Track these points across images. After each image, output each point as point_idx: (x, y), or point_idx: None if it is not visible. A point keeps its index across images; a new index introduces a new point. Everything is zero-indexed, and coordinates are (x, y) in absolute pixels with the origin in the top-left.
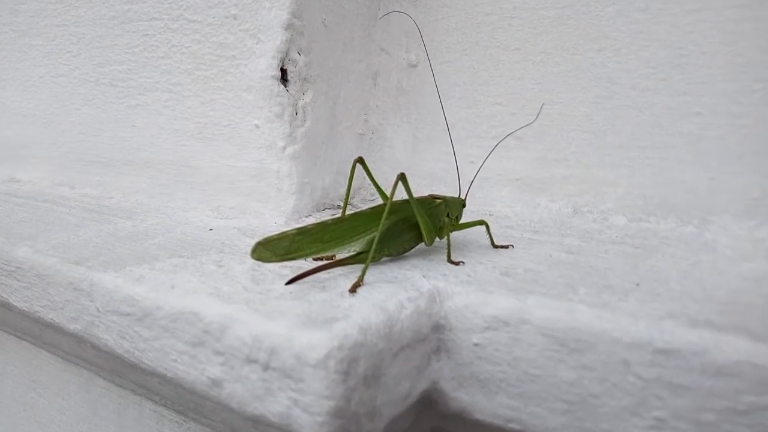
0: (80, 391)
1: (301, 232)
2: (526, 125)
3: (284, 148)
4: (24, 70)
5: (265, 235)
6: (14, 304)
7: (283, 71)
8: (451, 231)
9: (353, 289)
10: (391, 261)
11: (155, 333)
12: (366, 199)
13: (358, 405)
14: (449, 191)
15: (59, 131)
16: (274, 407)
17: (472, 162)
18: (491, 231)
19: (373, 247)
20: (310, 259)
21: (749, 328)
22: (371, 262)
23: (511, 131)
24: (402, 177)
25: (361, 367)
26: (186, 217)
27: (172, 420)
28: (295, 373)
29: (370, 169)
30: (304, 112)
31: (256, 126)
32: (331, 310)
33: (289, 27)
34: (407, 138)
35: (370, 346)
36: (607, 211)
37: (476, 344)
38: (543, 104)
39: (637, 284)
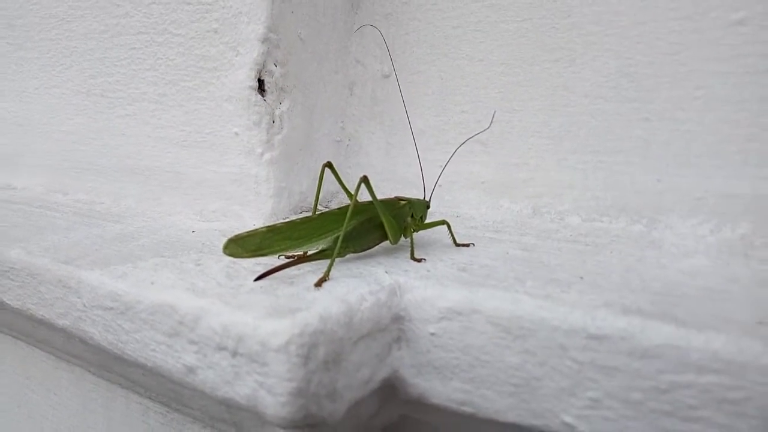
0: (71, 387)
1: (271, 230)
2: (481, 131)
3: (262, 154)
4: (19, 81)
5: (238, 233)
6: (7, 302)
7: (261, 82)
8: (416, 231)
9: (319, 284)
10: (357, 258)
11: (136, 325)
12: (342, 203)
13: (318, 387)
14: (419, 194)
15: (53, 140)
16: (242, 390)
17: (441, 166)
18: (454, 231)
19: (338, 244)
20: (282, 256)
21: (675, 316)
22: (337, 258)
23: (470, 137)
24: (365, 179)
25: (321, 353)
26: (171, 220)
27: (156, 411)
28: (260, 357)
29: (347, 173)
30: (281, 120)
31: (236, 134)
32: (296, 302)
33: (265, 40)
34: (381, 144)
35: (330, 334)
36: (564, 211)
37: (432, 333)
38: (495, 111)
39: (581, 277)
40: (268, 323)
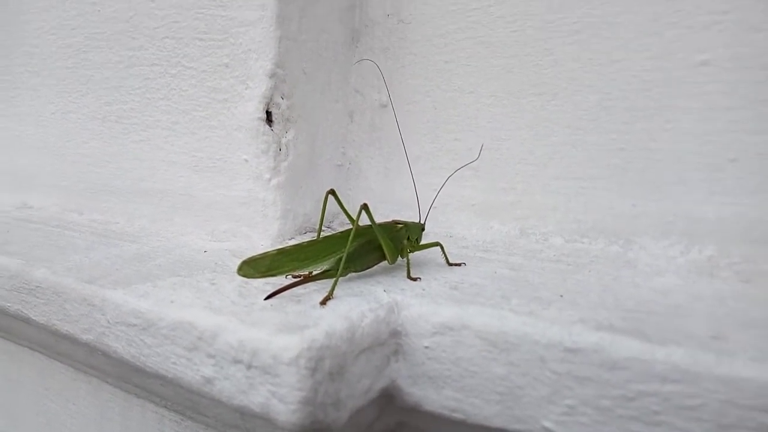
0: (89, 397)
1: (280, 252)
2: (471, 162)
3: (270, 179)
4: (37, 106)
5: (250, 255)
6: (33, 318)
7: (268, 113)
8: (411, 252)
9: (324, 302)
10: (358, 277)
11: (158, 340)
12: (344, 223)
13: (324, 396)
14: (415, 215)
15: (69, 162)
16: (256, 399)
17: (435, 190)
18: (447, 250)
19: (341, 265)
20: (289, 276)
21: (643, 331)
22: (340, 277)
23: (460, 167)
24: (365, 207)
25: (327, 365)
26: (184, 240)
27: (171, 420)
28: (273, 369)
29: (348, 196)
30: (287, 148)
31: (246, 160)
32: (304, 319)
33: (273, 76)
34: (379, 169)
35: (335, 348)
36: (548, 233)
37: (427, 347)
38: (483, 144)
39: (561, 295)
40: (280, 339)
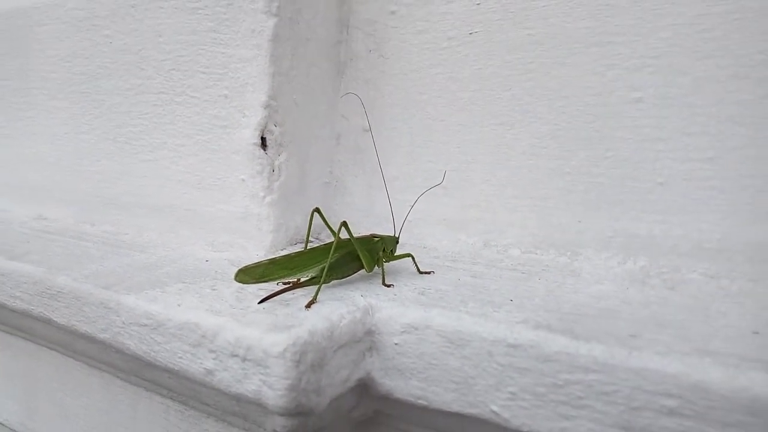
0: (101, 390)
1: (272, 261)
2: (436, 185)
3: (264, 197)
4: (52, 127)
5: (245, 264)
6: (55, 320)
7: (263, 139)
8: (387, 262)
9: (308, 305)
10: (340, 284)
11: (166, 338)
12: (330, 236)
13: (306, 384)
14: (392, 227)
15: (81, 178)
16: (250, 387)
17: (410, 206)
18: (420, 260)
19: (323, 274)
20: (280, 282)
21: (573, 330)
22: (324, 284)
23: (427, 189)
24: (344, 224)
25: (309, 358)
26: (188, 250)
27: (176, 410)
28: (264, 362)
29: (335, 211)
30: (279, 169)
31: (243, 180)
32: (291, 320)
33: (267, 107)
34: (363, 187)
35: (316, 344)
36: (507, 245)
37: (396, 344)
38: (446, 171)
39: (511, 300)
40: (270, 336)
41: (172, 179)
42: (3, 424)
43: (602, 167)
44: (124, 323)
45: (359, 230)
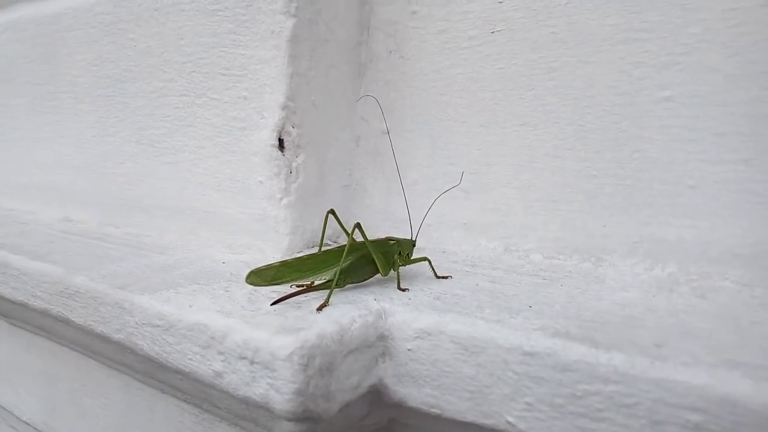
0: (119, 392)
1: (283, 264)
2: (453, 187)
3: (281, 199)
4: (78, 130)
5: (257, 266)
6: (73, 319)
7: (281, 140)
8: (403, 265)
9: (320, 309)
10: (355, 288)
11: (177, 339)
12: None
13: (314, 389)
14: (412, 233)
15: (106, 180)
16: (257, 390)
17: (431, 209)
18: (439, 264)
19: (335, 277)
20: (294, 285)
21: (593, 339)
22: (338, 288)
23: (443, 192)
24: (358, 225)
25: (317, 362)
26: (206, 252)
27: (191, 413)
28: (271, 365)
29: (354, 214)
30: (297, 171)
31: (260, 182)
32: (300, 323)
33: (284, 108)
34: (382, 189)
35: (325, 348)
36: (529, 250)
37: (409, 350)
38: (463, 172)
39: (530, 306)
40: (278, 339)
41: (193, 181)
42: (27, 423)
43: (629, 169)
44: (137, 324)
45: (378, 234)
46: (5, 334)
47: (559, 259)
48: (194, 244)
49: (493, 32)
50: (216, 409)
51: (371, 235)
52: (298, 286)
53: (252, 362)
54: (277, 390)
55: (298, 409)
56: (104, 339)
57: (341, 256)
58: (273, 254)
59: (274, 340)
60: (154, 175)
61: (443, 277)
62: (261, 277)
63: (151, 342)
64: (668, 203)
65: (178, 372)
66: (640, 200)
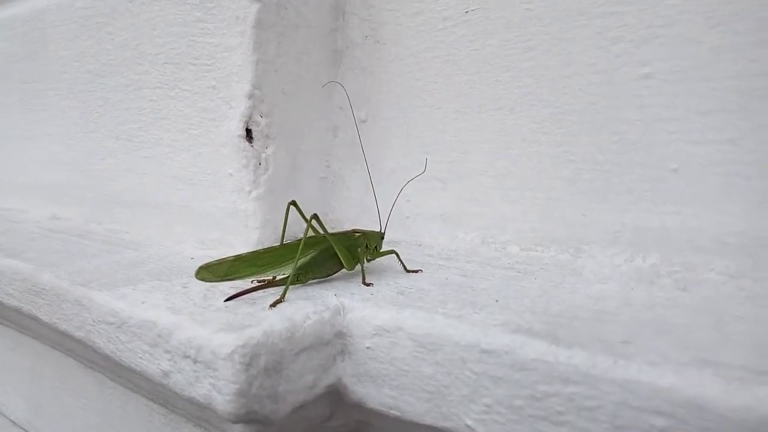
0: (95, 391)
1: (237, 258)
2: (418, 175)
3: (250, 192)
4: (65, 126)
5: (207, 261)
6: (40, 317)
7: (248, 131)
8: (371, 259)
9: (274, 305)
10: (318, 283)
11: (129, 337)
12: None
13: (259, 389)
14: (390, 224)
15: (91, 177)
16: (201, 390)
17: (408, 200)
18: (409, 258)
19: (291, 272)
20: (255, 281)
21: (556, 335)
22: (300, 284)
23: (409, 180)
24: (315, 216)
25: (262, 361)
26: (178, 248)
27: (159, 413)
28: (213, 364)
29: (333, 207)
30: (266, 163)
31: (230, 174)
32: (248, 320)
33: (251, 96)
34: (361, 181)
35: (271, 346)
36: (506, 241)
37: (368, 347)
38: (425, 156)
39: (497, 300)
40: (220, 336)
41: (168, 175)
42: (14, 423)
43: (608, 153)
44: (94, 321)
45: (356, 227)
46: None
47: (537, 250)
48: (170, 239)
49: (467, 11)
50: (180, 410)
51: (355, 229)
52: (258, 281)
53: (195, 361)
54: (219, 390)
55: (241, 410)
56: (68, 336)
57: (302, 250)
58: (243, 249)
59: (215, 338)
60: (134, 170)
61: (413, 271)
62: (212, 272)
63: (107, 340)
64: (650, 188)
65: (130, 371)
66: (620, 186)
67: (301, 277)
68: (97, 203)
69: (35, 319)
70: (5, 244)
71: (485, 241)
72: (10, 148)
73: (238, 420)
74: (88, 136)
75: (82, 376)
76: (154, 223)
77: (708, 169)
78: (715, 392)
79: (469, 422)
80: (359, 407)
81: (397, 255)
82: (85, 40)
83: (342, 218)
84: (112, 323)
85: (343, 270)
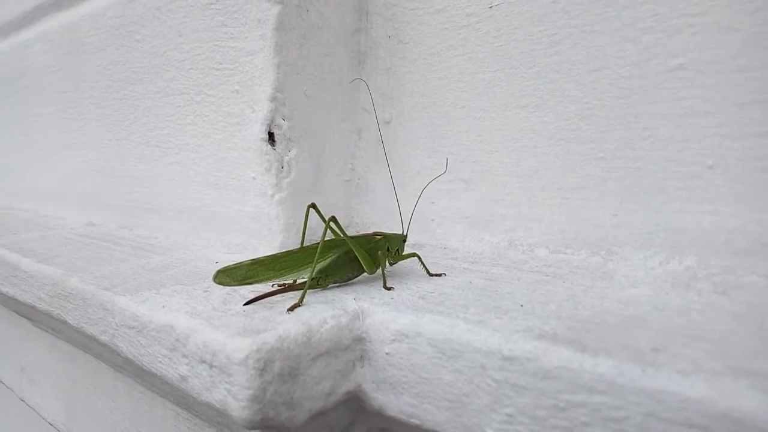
0: (125, 395)
1: (255, 262)
2: (439, 175)
3: (272, 195)
4: (98, 134)
5: (226, 265)
6: (68, 321)
7: (270, 134)
8: (393, 263)
9: (291, 309)
10: (338, 287)
11: (149, 341)
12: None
13: (274, 395)
14: (414, 227)
15: (122, 183)
16: (217, 395)
17: (433, 203)
18: (431, 262)
19: (311, 275)
20: (276, 284)
21: (581, 341)
22: (320, 287)
23: (430, 180)
24: (333, 219)
25: (277, 366)
26: (204, 253)
27: (184, 417)
28: (228, 369)
29: (357, 210)
30: (289, 166)
31: (254, 178)
32: (264, 324)
33: (273, 99)
34: (386, 183)
35: (286, 351)
36: (534, 244)
37: (387, 353)
38: (448, 157)
39: (521, 305)
40: (235, 341)
41: (194, 180)
42: (52, 425)
43: (640, 150)
44: (117, 325)
45: (381, 230)
46: (33, 337)
47: (566, 253)
48: (196, 244)
49: (491, 6)
50: (204, 414)
51: (380, 232)
52: (279, 285)
53: (211, 366)
54: (234, 396)
55: (256, 417)
56: (95, 341)
57: (321, 253)
58: (266, 253)
59: (230, 343)
60: (163, 176)
61: (436, 275)
62: (230, 276)
63: (129, 344)
64: (685, 187)
65: (151, 374)
66: (653, 185)
67: (321, 281)
68: (128, 209)
69: (64, 322)
70: (38, 249)
71: (512, 243)
72: (49, 157)
73: (253, 426)
74: (120, 144)
75: (113, 379)
76: (181, 228)
77: (747, 164)
78: (752, 405)
79: None
80: (380, 415)
81: (420, 258)
82: (117, 49)
83: (367, 221)
84: (133, 327)
85: (365, 274)
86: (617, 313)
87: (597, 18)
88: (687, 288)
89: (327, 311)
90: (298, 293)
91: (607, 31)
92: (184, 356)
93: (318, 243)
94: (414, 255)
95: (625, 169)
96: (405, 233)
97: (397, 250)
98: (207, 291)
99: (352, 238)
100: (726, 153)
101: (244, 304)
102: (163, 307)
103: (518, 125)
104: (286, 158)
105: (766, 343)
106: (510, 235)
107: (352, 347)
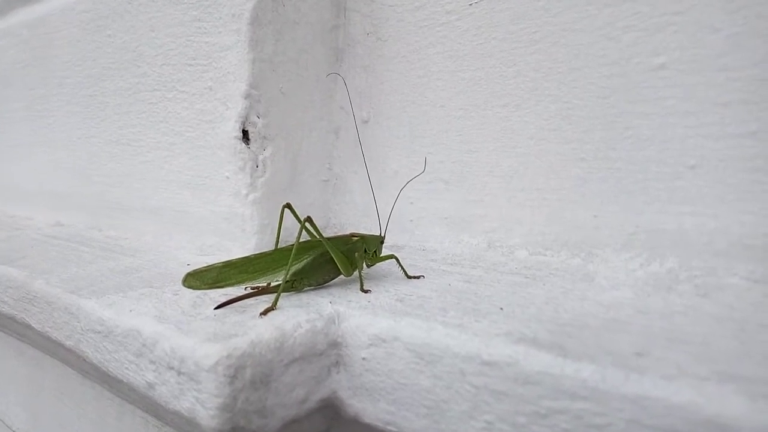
0: (92, 401)
1: (227, 264)
2: (417, 175)
3: (247, 195)
4: (68, 132)
5: (195, 268)
6: (33, 325)
7: (245, 132)
8: (370, 265)
9: (264, 313)
10: (313, 290)
11: (115, 346)
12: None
13: (245, 403)
14: (393, 228)
15: (93, 182)
16: (185, 404)
17: (412, 203)
18: (411, 263)
19: (285, 278)
20: (249, 288)
21: (563, 345)
22: (295, 290)
23: (409, 180)
24: (308, 219)
25: (248, 373)
26: (175, 254)
27: (154, 424)
28: (196, 376)
29: (334, 210)
30: (264, 165)
31: (227, 177)
32: (236, 329)
33: (247, 96)
34: (363, 184)
35: (258, 357)
36: (514, 246)
37: (364, 358)
38: (426, 156)
39: (501, 308)
40: (204, 347)
41: (166, 179)
42: None
43: (621, 150)
44: (83, 329)
45: (359, 231)
46: None
47: (546, 255)
48: (168, 245)
49: (471, 4)
50: (175, 423)
51: (356, 233)
52: (252, 288)
53: (179, 373)
54: (203, 404)
55: (225, 426)
56: (60, 346)
57: (296, 255)
58: (240, 255)
59: (199, 349)
60: (132, 175)
61: (414, 277)
62: (201, 279)
63: (94, 349)
64: (666, 188)
65: (119, 382)
66: (634, 185)
67: (295, 284)
68: (98, 209)
69: (28, 327)
70: (3, 251)
71: (492, 245)
72: (17, 155)
73: None
74: (89, 142)
75: (80, 385)
76: (152, 228)
77: (728, 165)
78: (737, 410)
79: None
80: (356, 422)
81: (398, 260)
82: (87, 44)
83: (344, 222)
84: (99, 332)
85: (341, 276)
86: (599, 316)
87: (578, 16)
88: (669, 290)
89: (301, 315)
90: (272, 297)
91: (588, 30)
92: (152, 362)
93: (293, 244)
94: (392, 257)
95: (606, 170)
96: (383, 234)
97: (375, 251)
98: (177, 294)
99: (329, 239)
100: (708, 153)
101: (215, 308)
102: (131, 311)
103: (498, 125)
104: (261, 157)
105: (748, 347)
106: (490, 236)
107: (328, 352)
